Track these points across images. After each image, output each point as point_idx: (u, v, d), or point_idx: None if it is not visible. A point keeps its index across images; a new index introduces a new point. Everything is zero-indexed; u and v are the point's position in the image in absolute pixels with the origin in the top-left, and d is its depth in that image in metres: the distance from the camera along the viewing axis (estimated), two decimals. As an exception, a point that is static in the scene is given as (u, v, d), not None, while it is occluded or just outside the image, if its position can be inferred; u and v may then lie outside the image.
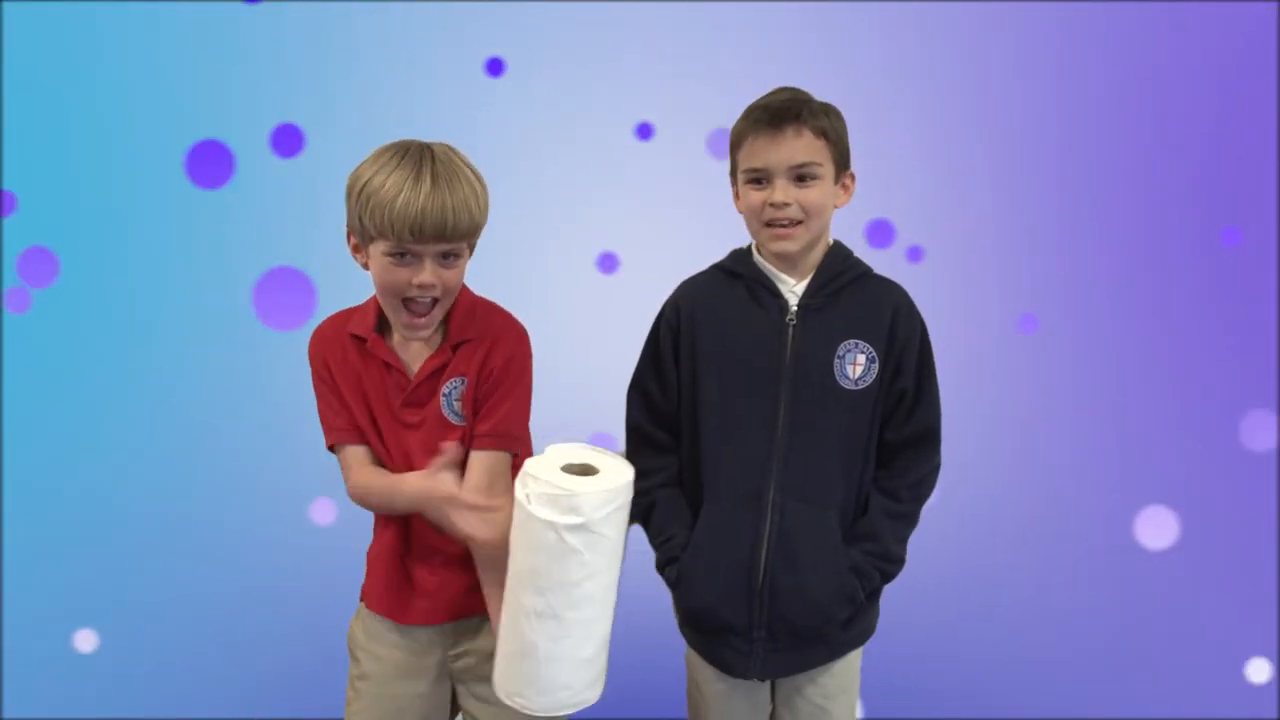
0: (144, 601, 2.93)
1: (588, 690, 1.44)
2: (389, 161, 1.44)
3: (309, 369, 1.63)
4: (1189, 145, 3.16)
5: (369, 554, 1.67)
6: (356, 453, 1.59)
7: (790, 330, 1.60)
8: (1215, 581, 3.02)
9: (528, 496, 1.34)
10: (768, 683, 1.71)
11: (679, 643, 1.76)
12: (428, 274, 1.46)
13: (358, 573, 1.70)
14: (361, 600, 1.68)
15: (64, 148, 3.09)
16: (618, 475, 1.39)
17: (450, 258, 1.48)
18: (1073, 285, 3.19)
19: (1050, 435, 3.20)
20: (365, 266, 1.52)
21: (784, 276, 1.62)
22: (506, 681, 1.43)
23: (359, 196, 1.45)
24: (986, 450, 3.08)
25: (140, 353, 3.13)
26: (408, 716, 1.64)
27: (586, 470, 1.40)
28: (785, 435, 1.58)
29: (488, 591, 1.54)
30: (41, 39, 3.04)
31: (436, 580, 1.59)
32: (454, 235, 1.45)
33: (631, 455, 1.68)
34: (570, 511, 1.32)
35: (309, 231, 3.18)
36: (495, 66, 3.13)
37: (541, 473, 1.35)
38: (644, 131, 3.25)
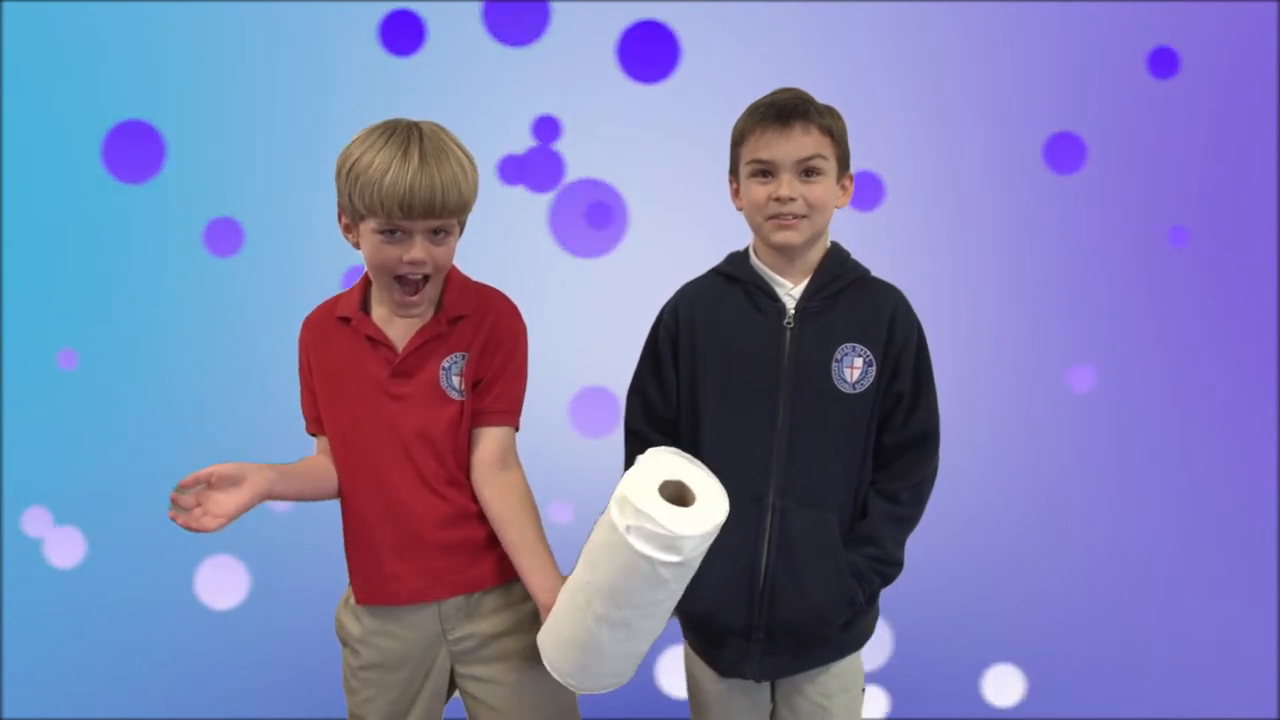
0: (144, 601, 2.94)
1: (629, 675, 1.51)
2: (377, 140, 1.47)
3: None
4: (1188, 145, 3.16)
5: (344, 543, 1.67)
6: (320, 444, 1.67)
7: (788, 334, 1.60)
8: (1216, 581, 3.02)
9: (628, 529, 1.34)
10: (767, 681, 1.71)
11: (678, 642, 1.76)
12: (418, 250, 1.48)
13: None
14: (350, 588, 1.68)
15: (64, 148, 3.09)
16: (716, 511, 1.39)
17: (440, 234, 1.51)
18: (1072, 285, 3.20)
19: (1051, 435, 3.20)
20: (357, 246, 1.55)
21: (781, 280, 1.63)
22: (560, 662, 1.48)
23: (348, 176, 1.48)
24: (986, 450, 3.08)
25: (141, 353, 3.12)
26: (418, 699, 1.64)
27: (682, 493, 1.40)
28: (785, 439, 1.59)
29: (517, 558, 1.57)
30: (42, 39, 3.05)
31: (411, 560, 1.59)
32: (443, 211, 1.47)
33: (630, 459, 1.68)
34: (670, 550, 1.33)
35: (309, 230, 3.18)
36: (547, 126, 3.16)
37: (642, 502, 1.34)
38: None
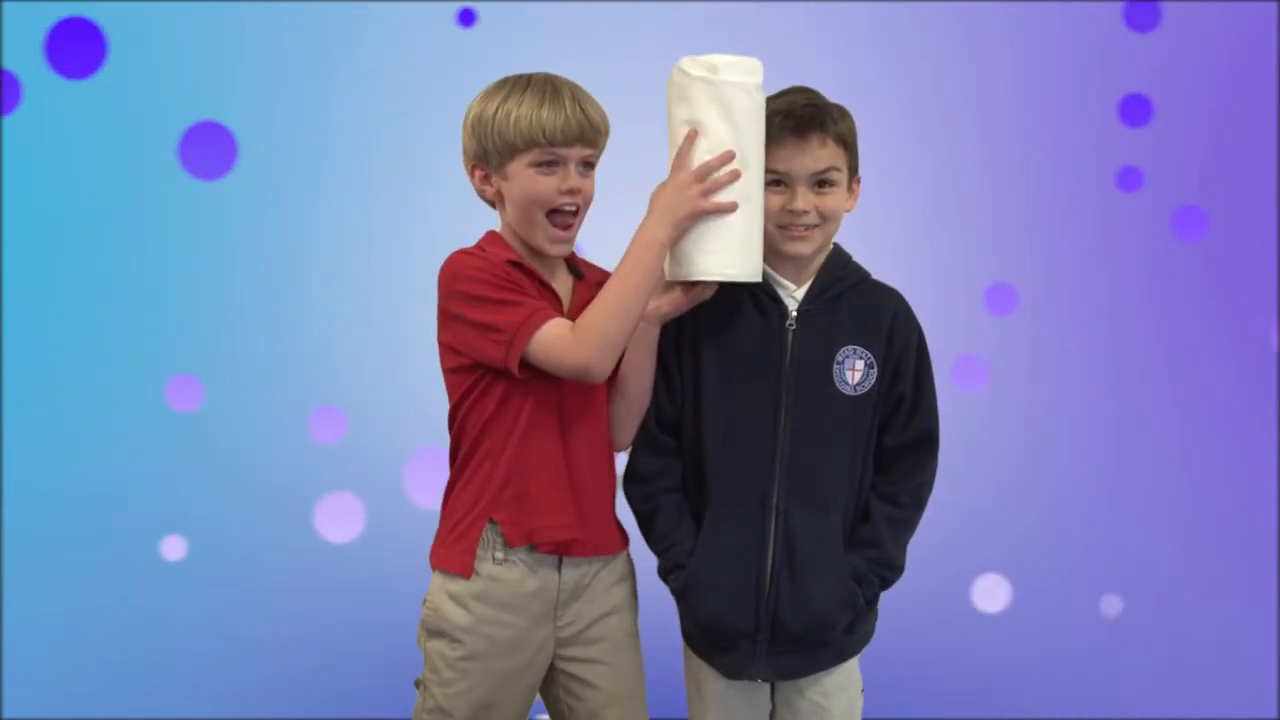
0: (144, 601, 2.94)
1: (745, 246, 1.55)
2: (515, 87, 1.54)
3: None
4: (1188, 145, 3.16)
5: (511, 488, 1.56)
6: (562, 321, 1.52)
7: (790, 336, 1.60)
8: (1216, 581, 3.03)
9: (714, 68, 1.47)
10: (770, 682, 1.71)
11: (678, 641, 1.76)
12: (575, 179, 1.54)
13: (355, 575, 1.67)
14: (460, 575, 1.57)
15: (64, 148, 3.09)
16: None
17: (588, 167, 1.56)
18: (1069, 286, 3.20)
19: (1051, 435, 3.21)
20: (493, 200, 1.59)
21: (784, 281, 1.63)
22: (705, 260, 1.52)
23: (495, 119, 1.52)
24: (986, 450, 3.08)
25: (141, 350, 3.13)
26: (517, 689, 1.62)
27: None
28: (787, 442, 1.59)
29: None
30: (41, 40, 3.05)
31: (587, 512, 1.58)
32: (596, 139, 1.55)
33: (632, 456, 1.69)
34: (752, 72, 1.49)
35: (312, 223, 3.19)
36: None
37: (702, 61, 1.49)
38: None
